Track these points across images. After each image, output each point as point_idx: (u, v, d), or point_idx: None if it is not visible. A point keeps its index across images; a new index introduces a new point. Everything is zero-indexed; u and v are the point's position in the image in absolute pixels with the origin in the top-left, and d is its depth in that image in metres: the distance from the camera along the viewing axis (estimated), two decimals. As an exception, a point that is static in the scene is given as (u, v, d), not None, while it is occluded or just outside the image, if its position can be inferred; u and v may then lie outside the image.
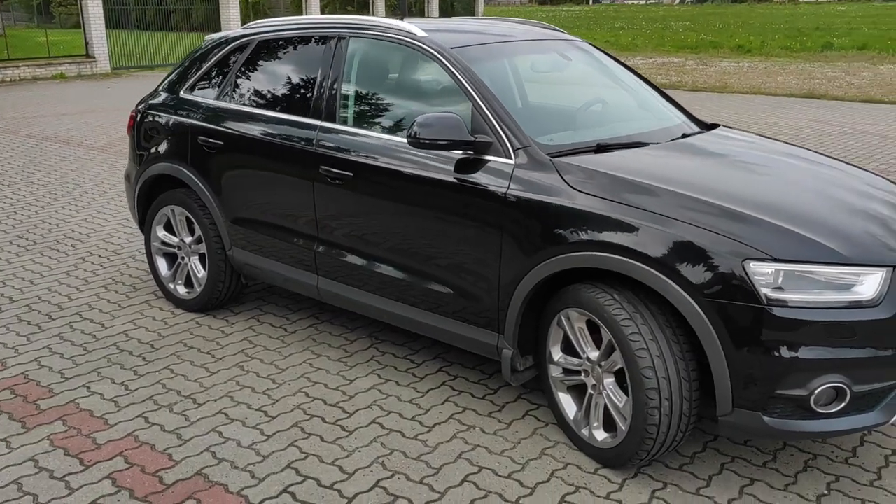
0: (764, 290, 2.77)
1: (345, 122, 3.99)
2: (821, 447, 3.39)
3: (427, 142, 3.42)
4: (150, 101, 5.01)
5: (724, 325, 2.82)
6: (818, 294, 2.79)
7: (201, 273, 4.75)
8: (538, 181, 3.28)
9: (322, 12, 26.93)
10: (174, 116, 4.74)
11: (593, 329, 3.22)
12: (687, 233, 2.91)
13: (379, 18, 4.06)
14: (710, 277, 2.84)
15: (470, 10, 31.34)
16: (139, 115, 5.02)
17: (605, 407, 3.22)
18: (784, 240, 2.86)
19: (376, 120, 3.98)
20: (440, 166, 3.55)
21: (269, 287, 5.25)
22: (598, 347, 3.20)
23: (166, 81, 5.00)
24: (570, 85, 4.22)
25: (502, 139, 3.43)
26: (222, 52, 4.67)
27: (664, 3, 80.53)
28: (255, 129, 4.29)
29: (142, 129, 4.98)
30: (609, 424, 3.23)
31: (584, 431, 3.32)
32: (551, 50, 4.29)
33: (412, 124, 3.44)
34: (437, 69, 3.76)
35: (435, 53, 3.74)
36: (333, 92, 4.03)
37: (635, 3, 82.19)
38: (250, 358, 4.25)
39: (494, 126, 3.46)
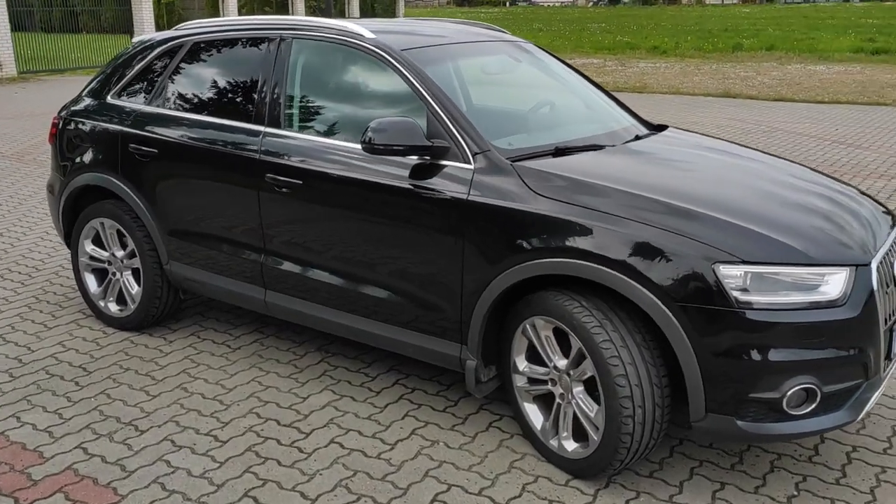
0: (734, 293, 2.74)
1: (291, 128, 3.81)
2: (784, 447, 3.39)
3: (382, 147, 3.28)
4: (74, 108, 4.71)
5: (695, 330, 2.78)
6: (785, 295, 2.78)
7: (135, 289, 4.49)
8: (499, 186, 3.18)
9: (239, 13, 26.33)
10: (101, 123, 4.46)
11: (560, 337, 3.14)
12: (655, 237, 2.86)
13: (324, 19, 3.90)
14: (681, 281, 2.79)
15: (390, 11, 31.17)
16: (62, 123, 4.72)
17: (574, 416, 3.15)
18: (751, 241, 2.83)
19: (325, 126, 3.81)
20: (395, 172, 3.42)
21: (208, 301, 5.01)
22: (566, 356, 3.12)
23: (90, 86, 4.71)
24: (520, 87, 4.14)
25: (460, 144, 3.32)
26: (152, 54, 4.42)
27: (578, 4, 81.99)
28: (192, 136, 4.07)
29: (65, 138, 4.67)
30: (579, 434, 3.16)
31: (553, 442, 3.23)
32: (500, 51, 4.21)
33: (366, 129, 3.30)
34: (387, 72, 3.62)
35: (385, 56, 3.60)
36: (277, 96, 3.85)
37: (550, 4, 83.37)
38: (193, 378, 4.02)
39: (451, 130, 3.35)
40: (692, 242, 2.82)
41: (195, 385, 3.94)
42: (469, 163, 3.28)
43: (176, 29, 4.48)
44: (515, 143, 3.43)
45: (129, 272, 4.52)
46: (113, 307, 4.61)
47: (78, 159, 4.56)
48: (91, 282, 4.68)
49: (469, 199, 3.21)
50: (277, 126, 3.82)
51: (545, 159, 3.32)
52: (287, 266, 3.83)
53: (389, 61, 3.58)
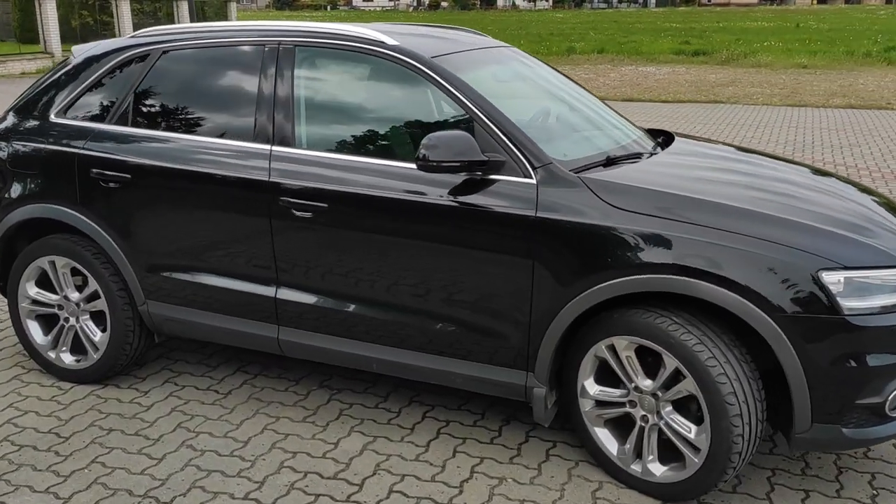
0: (839, 300, 2.71)
1: (307, 146, 3.42)
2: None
3: (436, 164, 3.01)
4: (0, 128, 4.02)
5: (802, 339, 2.73)
6: (883, 298, 2.78)
7: (98, 336, 3.89)
8: (571, 202, 3.00)
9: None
10: (46, 146, 3.83)
11: (642, 357, 2.99)
12: (753, 247, 2.78)
13: (334, 25, 3.53)
14: (785, 291, 2.73)
15: (222, 14, 29.88)
16: (-14, 147, 4.02)
17: (660, 438, 3.01)
18: (848, 247, 2.82)
19: (350, 142, 3.46)
20: (440, 190, 3.14)
21: (167, 342, 4.43)
22: (650, 376, 2.98)
23: (22, 103, 4.04)
24: (530, 96, 3.94)
25: (517, 157, 3.10)
26: (108, 66, 3.84)
27: (400, 9, 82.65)
28: (176, 159, 3.57)
29: (-7, 164, 3.99)
30: (666, 457, 3.03)
31: (635, 467, 3.09)
32: (508, 59, 3.99)
33: (421, 146, 3.01)
34: (415, 81, 3.33)
35: (416, 64, 3.31)
36: (285, 111, 3.44)
37: (371, 9, 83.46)
38: (195, 433, 3.53)
39: (505, 143, 3.12)
40: (793, 251, 2.76)
41: (201, 441, 3.46)
42: (530, 177, 3.07)
43: (133, 37, 3.92)
44: (570, 153, 3.25)
45: (87, 316, 3.92)
46: (67, 358, 3.98)
47: (13, 189, 3.90)
48: (35, 330, 4.03)
49: (537, 216, 3.00)
50: (289, 144, 3.42)
51: (606, 171, 3.17)
52: (308, 299, 3.44)
53: (421, 69, 3.29)
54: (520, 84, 3.90)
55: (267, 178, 3.39)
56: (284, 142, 3.43)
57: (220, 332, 3.68)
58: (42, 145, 3.85)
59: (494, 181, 3.11)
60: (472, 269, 3.13)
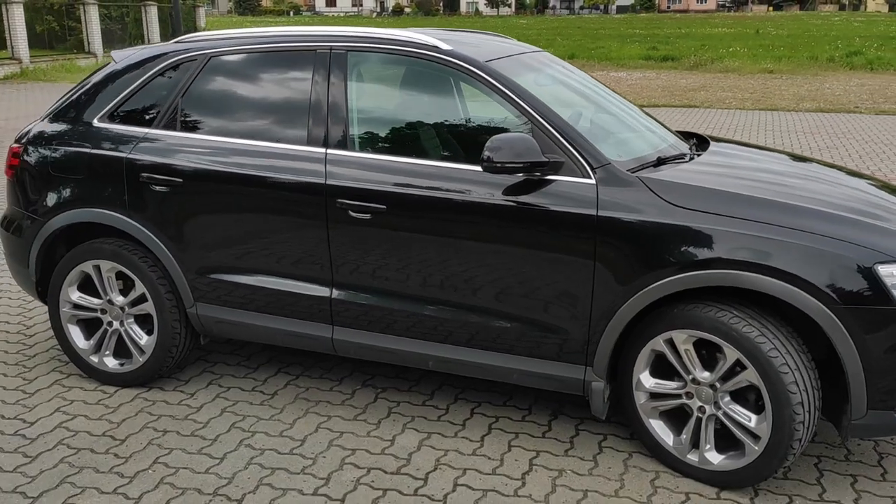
0: (894, 291, 2.85)
1: (362, 149, 3.49)
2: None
3: (500, 165, 3.11)
4: (40, 134, 4.02)
5: (860, 330, 2.86)
6: None
7: (144, 339, 3.91)
8: (632, 201, 3.11)
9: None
10: (92, 151, 3.84)
11: (699, 349, 3.11)
12: (812, 242, 2.92)
13: (385, 30, 3.60)
14: (843, 284, 2.87)
15: (190, 20, 29.65)
16: (25, 152, 4.01)
17: (717, 427, 3.13)
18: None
19: (407, 144, 3.53)
20: (498, 191, 3.24)
21: (202, 345, 4.43)
22: (708, 368, 3.10)
23: (62, 108, 4.05)
24: (574, 100, 4.03)
25: (576, 158, 3.20)
26: (152, 71, 3.87)
27: (363, 15, 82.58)
28: (228, 163, 3.62)
29: (33, 170, 3.98)
30: (722, 446, 3.14)
31: (692, 457, 3.20)
32: (547, 63, 4.10)
33: (485, 148, 3.10)
34: (471, 84, 3.43)
35: (471, 68, 3.40)
36: (340, 115, 3.50)
37: (335, 14, 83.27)
38: (250, 433, 3.57)
39: (564, 144, 3.23)
40: (850, 245, 2.90)
41: (258, 440, 3.50)
42: (589, 177, 3.18)
43: (178, 42, 3.95)
44: (624, 154, 3.36)
45: (132, 320, 3.94)
46: (111, 362, 3.99)
47: (56, 194, 3.90)
48: (77, 335, 4.02)
49: (599, 215, 3.11)
50: (344, 147, 3.49)
51: (659, 171, 3.29)
52: (364, 299, 3.51)
53: (476, 73, 3.38)
54: (559, 87, 4.00)
55: (323, 181, 3.44)
56: (339, 145, 3.49)
57: (272, 332, 3.72)
58: (87, 150, 3.85)
59: (553, 182, 3.20)
60: (533, 267, 3.22)
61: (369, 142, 3.53)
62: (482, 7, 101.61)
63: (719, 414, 3.11)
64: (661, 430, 3.29)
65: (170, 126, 3.78)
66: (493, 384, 3.95)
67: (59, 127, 3.99)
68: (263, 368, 4.21)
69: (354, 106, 3.53)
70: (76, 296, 3.97)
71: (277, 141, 3.61)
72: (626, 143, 3.64)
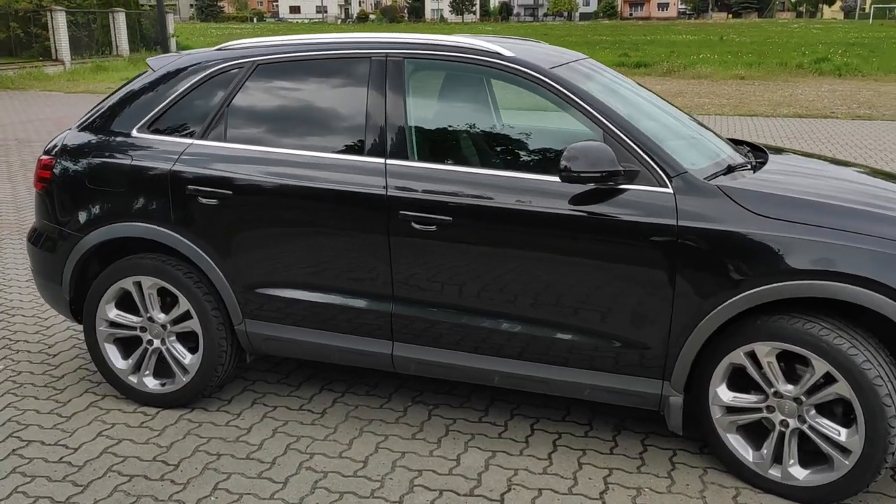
0: None
1: (423, 159, 3.38)
2: None
3: (577, 174, 3.04)
4: (74, 145, 3.84)
5: None
6: None
7: (188, 358, 3.74)
8: (712, 210, 3.04)
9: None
10: (133, 163, 3.68)
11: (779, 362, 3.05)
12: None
13: (443, 37, 3.50)
14: None
15: (161, 25, 29.12)
16: (57, 164, 3.83)
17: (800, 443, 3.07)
18: None
19: (472, 154, 3.43)
20: (571, 201, 3.15)
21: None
22: (791, 381, 3.04)
23: (95, 118, 3.87)
24: (629, 106, 3.94)
25: (651, 167, 3.13)
26: (195, 80, 3.71)
27: (328, 21, 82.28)
28: (281, 174, 3.48)
29: (67, 182, 3.80)
30: (806, 460, 3.08)
31: (774, 472, 3.13)
32: (596, 70, 4.01)
33: (563, 158, 3.02)
34: (536, 92, 3.33)
35: (537, 75, 3.31)
36: (399, 124, 3.39)
37: (299, 21, 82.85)
38: (308, 454, 3.43)
39: (638, 152, 3.15)
40: (938, 253, 2.86)
41: (318, 463, 3.37)
42: (665, 186, 3.10)
43: (220, 50, 3.80)
44: (697, 163, 3.29)
45: (174, 338, 3.77)
46: (151, 382, 3.82)
47: (94, 208, 3.73)
48: (114, 354, 3.85)
49: (680, 225, 3.03)
50: (404, 157, 3.37)
51: (735, 179, 3.23)
52: (427, 313, 3.39)
53: (545, 82, 3.29)
54: (613, 95, 3.92)
55: (384, 193, 3.33)
56: (399, 155, 3.37)
57: (326, 349, 3.59)
58: (127, 162, 3.69)
59: (628, 191, 3.12)
60: (609, 278, 3.14)
61: (429, 151, 3.42)
62: (447, 14, 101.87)
63: (804, 428, 3.05)
64: (739, 446, 3.22)
65: (217, 137, 3.63)
66: (549, 398, 3.86)
67: (94, 138, 3.82)
68: (306, 386, 4.07)
69: (413, 114, 3.42)
70: (114, 313, 3.79)
71: (332, 151, 3.48)
72: (692, 151, 3.57)
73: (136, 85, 3.86)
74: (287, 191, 3.46)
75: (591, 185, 3.13)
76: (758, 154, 3.88)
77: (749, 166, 3.52)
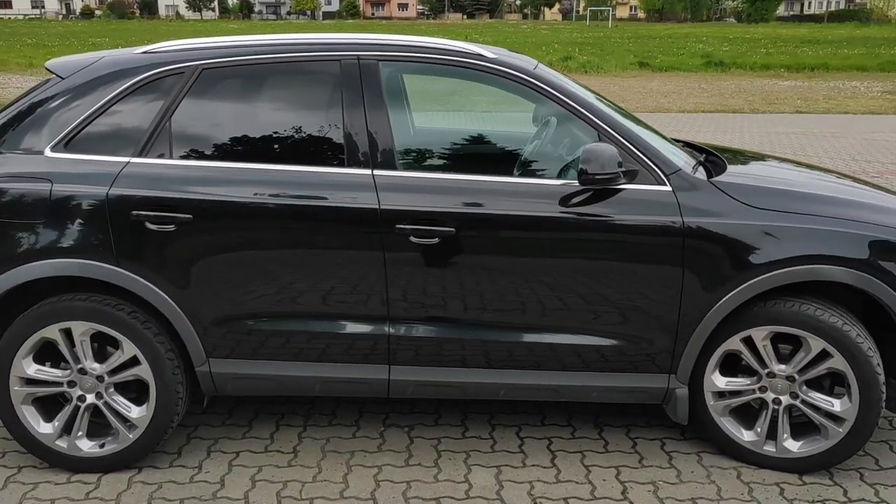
0: None
1: (412, 168, 3.16)
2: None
3: (592, 176, 3.02)
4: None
5: None
6: None
7: (135, 411, 3.22)
8: (711, 206, 3.14)
9: None
10: (53, 188, 3.08)
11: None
12: (882, 234, 3.13)
13: (418, 38, 3.28)
14: None
15: None
16: (-56, 193, 3.12)
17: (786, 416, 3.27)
18: None
19: (466, 160, 3.25)
20: (573, 203, 3.12)
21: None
22: (782, 360, 3.23)
23: (-13, 136, 3.19)
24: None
25: (649, 165, 3.17)
26: (122, 87, 3.17)
27: (48, 18, 75.15)
28: (252, 192, 3.09)
29: (-39, 215, 3.11)
30: (797, 433, 3.29)
31: (769, 448, 3.32)
32: (554, 73, 3.96)
33: (580, 160, 2.97)
34: (521, 94, 3.26)
35: (525, 77, 3.22)
36: (382, 132, 3.13)
37: (12, 17, 74.82)
38: (307, 500, 3.09)
39: (634, 152, 3.18)
40: (902, 231, 3.17)
41: (322, 509, 3.05)
42: (664, 184, 3.16)
43: (148, 53, 3.26)
44: (679, 160, 3.37)
45: (113, 389, 3.23)
46: (86, 445, 3.24)
47: (4, 245, 3.09)
48: (32, 417, 3.22)
49: (684, 221, 3.10)
50: (391, 167, 3.13)
51: (726, 175, 3.35)
52: (428, 331, 3.18)
53: (532, 83, 3.22)
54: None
55: (376, 206, 3.07)
56: (386, 165, 3.13)
57: (309, 382, 3.25)
58: (42, 187, 3.08)
59: (628, 190, 3.14)
60: (619, 279, 3.14)
61: (419, 159, 3.21)
62: (183, 10, 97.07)
63: (797, 403, 3.25)
64: (733, 428, 3.36)
65: (160, 154, 3.14)
66: (518, 403, 3.80)
67: (-7, 158, 3.15)
68: (258, 423, 3.67)
69: (398, 120, 3.19)
70: (33, 369, 3.17)
71: (305, 163, 3.15)
72: (668, 150, 3.65)
73: (40, 95, 3.23)
74: (262, 210, 3.08)
75: (590, 188, 3.10)
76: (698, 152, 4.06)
77: (718, 164, 3.66)
